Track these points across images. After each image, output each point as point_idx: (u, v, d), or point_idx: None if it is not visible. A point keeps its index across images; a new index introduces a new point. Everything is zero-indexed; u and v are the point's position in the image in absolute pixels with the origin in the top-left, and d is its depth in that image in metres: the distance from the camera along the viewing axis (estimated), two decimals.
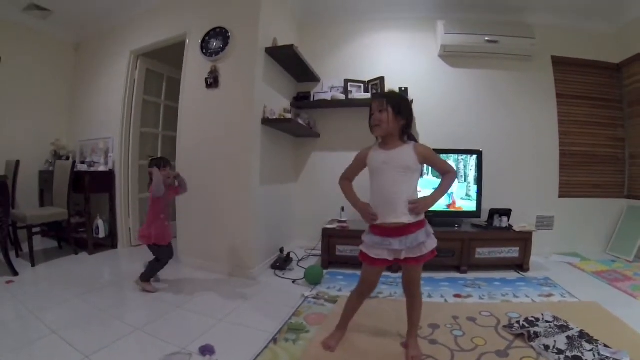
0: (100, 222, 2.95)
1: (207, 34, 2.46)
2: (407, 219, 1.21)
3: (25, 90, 3.34)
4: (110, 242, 3.07)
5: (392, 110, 1.22)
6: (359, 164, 1.35)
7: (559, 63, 2.99)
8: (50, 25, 3.41)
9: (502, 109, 2.95)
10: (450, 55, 2.92)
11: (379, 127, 1.24)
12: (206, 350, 1.36)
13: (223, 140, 2.36)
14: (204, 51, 2.45)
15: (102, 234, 2.96)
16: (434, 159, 1.28)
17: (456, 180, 2.61)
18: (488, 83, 2.95)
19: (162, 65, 3.36)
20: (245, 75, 2.30)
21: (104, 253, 2.94)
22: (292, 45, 2.37)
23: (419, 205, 1.21)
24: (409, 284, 1.34)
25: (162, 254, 2.12)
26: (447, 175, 1.29)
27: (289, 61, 2.59)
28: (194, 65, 2.51)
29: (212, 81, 2.39)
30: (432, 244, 1.26)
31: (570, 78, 3.02)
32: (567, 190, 2.99)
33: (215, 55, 2.40)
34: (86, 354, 1.35)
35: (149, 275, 2.10)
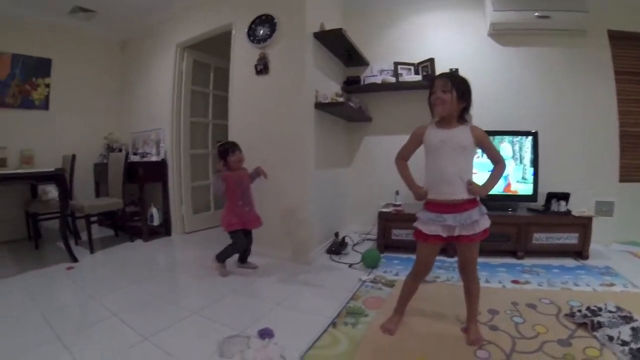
0: (154, 211, 3.05)
1: (253, 22, 2.47)
2: (464, 195, 1.25)
3: (76, 88, 3.51)
4: (164, 229, 3.18)
5: (456, 93, 1.23)
6: (415, 142, 1.37)
7: (616, 38, 2.79)
8: (96, 25, 3.55)
9: (556, 88, 2.80)
10: (500, 34, 2.79)
11: (441, 107, 1.25)
12: (265, 333, 1.36)
13: (276, 126, 2.38)
14: (251, 39, 2.47)
15: (156, 222, 3.07)
16: (488, 144, 1.31)
17: (512, 162, 2.57)
18: (541, 61, 2.80)
19: (208, 56, 3.41)
20: (296, 61, 2.29)
21: (159, 240, 3.05)
22: (340, 29, 2.33)
23: (474, 187, 1.25)
24: (465, 266, 1.34)
25: (240, 239, 2.09)
26: (498, 166, 1.31)
27: (337, 45, 2.57)
28: (242, 53, 2.54)
29: (262, 67, 2.41)
30: (485, 223, 1.27)
31: (630, 53, 2.80)
32: (628, 174, 2.80)
33: (263, 42, 2.41)
34: (145, 336, 1.38)
35: (223, 256, 2.11)
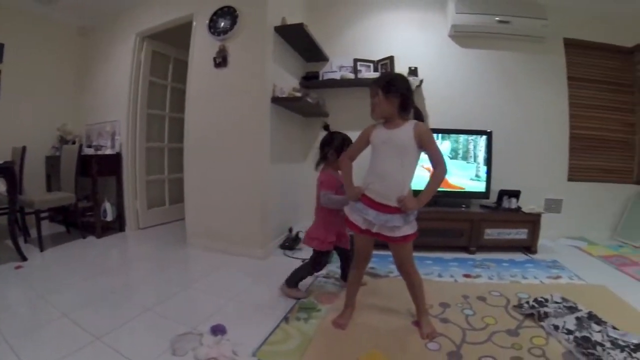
0: (107, 205, 2.93)
1: (215, 14, 2.42)
2: (393, 204, 1.24)
3: (31, 76, 3.30)
4: (118, 225, 3.07)
5: (381, 93, 1.25)
6: (362, 142, 1.36)
7: (571, 45, 2.94)
8: (55, 10, 3.34)
9: (512, 90, 2.91)
10: (461, 36, 2.86)
11: (374, 112, 1.29)
12: (217, 329, 1.35)
13: (232, 119, 2.34)
14: (212, 30, 2.41)
15: (109, 217, 2.94)
16: (429, 142, 1.23)
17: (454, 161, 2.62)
18: (499, 64, 2.90)
19: (168, 47, 3.31)
20: (255, 54, 2.26)
21: (112, 236, 2.94)
22: (301, 24, 2.32)
23: (405, 203, 1.21)
24: (400, 264, 1.37)
25: (327, 261, 1.72)
26: (437, 170, 1.24)
27: (298, 40, 2.55)
28: (202, 45, 2.48)
29: (221, 60, 2.36)
30: (407, 230, 1.26)
31: (583, 61, 2.96)
32: (576, 173, 2.96)
33: (223, 34, 2.36)
34: (97, 336, 1.34)
35: (296, 278, 1.73)
